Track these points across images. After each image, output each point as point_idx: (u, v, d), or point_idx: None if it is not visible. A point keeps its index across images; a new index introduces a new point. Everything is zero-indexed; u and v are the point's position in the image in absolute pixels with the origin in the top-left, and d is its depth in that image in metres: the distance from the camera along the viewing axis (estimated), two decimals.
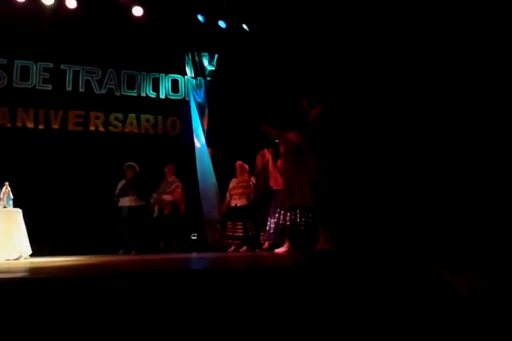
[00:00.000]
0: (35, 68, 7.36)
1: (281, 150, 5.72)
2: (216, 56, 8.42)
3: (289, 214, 5.48)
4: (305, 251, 4.97)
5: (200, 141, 7.86)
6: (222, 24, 7.97)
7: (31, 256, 5.36)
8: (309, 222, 5.26)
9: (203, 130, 7.95)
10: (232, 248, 6.39)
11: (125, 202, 6.93)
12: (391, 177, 5.02)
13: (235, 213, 6.52)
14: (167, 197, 6.97)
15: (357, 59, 5.49)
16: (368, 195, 5.03)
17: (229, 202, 6.63)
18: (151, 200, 7.00)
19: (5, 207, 5.37)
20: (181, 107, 8.10)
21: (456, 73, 4.01)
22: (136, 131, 7.85)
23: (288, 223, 5.46)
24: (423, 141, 4.87)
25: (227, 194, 6.71)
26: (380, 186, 5.03)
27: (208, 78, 8.32)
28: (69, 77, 7.51)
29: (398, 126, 5.14)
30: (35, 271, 3.06)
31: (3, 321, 1.82)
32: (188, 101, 8.10)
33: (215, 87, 8.27)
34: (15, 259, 5.03)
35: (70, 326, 1.86)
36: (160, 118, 8.03)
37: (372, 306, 2.18)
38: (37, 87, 7.34)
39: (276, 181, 5.83)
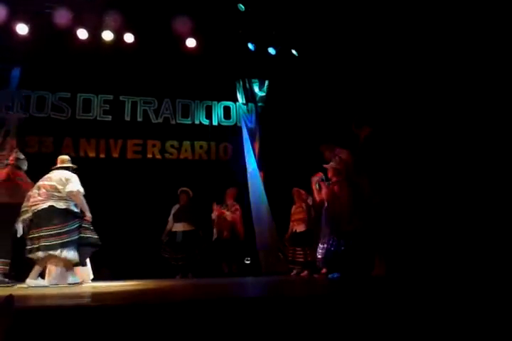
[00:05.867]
0: (96, 100, 7.82)
1: (329, 174, 5.72)
2: (266, 82, 8.60)
3: (341, 239, 5.39)
4: (359, 277, 4.87)
5: (251, 165, 8.00)
6: (271, 51, 8.15)
7: (92, 280, 5.56)
8: (363, 248, 5.16)
9: (255, 155, 8.09)
10: (294, 272, 6.40)
11: (179, 226, 7.08)
12: (446, 196, 4.88)
13: (295, 239, 6.58)
14: (228, 216, 7.06)
15: (403, 81, 5.47)
16: (423, 216, 4.90)
17: (291, 228, 6.74)
18: (212, 216, 7.12)
19: None
20: (233, 133, 8.30)
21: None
22: (190, 157, 8.10)
23: (341, 249, 5.37)
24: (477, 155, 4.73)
25: (291, 220, 6.81)
26: (435, 207, 4.90)
27: (259, 104, 8.51)
28: (127, 108, 7.92)
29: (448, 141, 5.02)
30: (97, 297, 3.19)
31: None
32: (240, 127, 8.29)
33: (265, 113, 8.43)
34: (77, 284, 5.23)
35: None
36: (213, 144, 8.25)
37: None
38: (98, 118, 7.78)
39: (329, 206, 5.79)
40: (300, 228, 6.56)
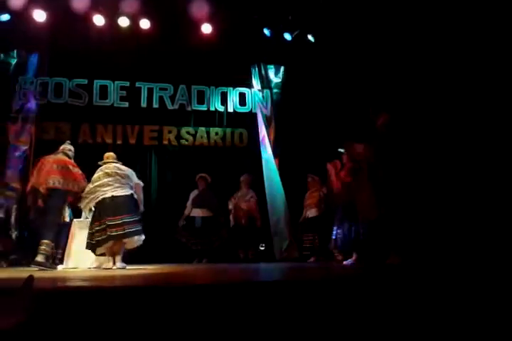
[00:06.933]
0: (112, 87, 7.86)
1: (344, 160, 5.70)
2: (282, 68, 8.54)
3: (360, 227, 5.39)
4: (374, 264, 4.88)
5: (267, 152, 7.98)
6: (287, 36, 8.07)
7: None
8: (379, 235, 5.15)
9: (270, 141, 8.08)
10: (312, 259, 6.44)
11: (198, 212, 7.15)
12: (464, 185, 4.83)
13: (307, 224, 6.61)
14: (243, 205, 7.13)
15: (421, 67, 5.38)
16: (441, 205, 4.87)
17: (304, 214, 6.78)
18: (229, 206, 7.21)
19: (87, 217, 5.73)
20: (248, 119, 8.28)
21: None
22: (205, 143, 8.12)
23: (355, 235, 5.37)
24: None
25: (304, 205, 6.85)
26: (453, 195, 4.86)
27: (275, 90, 8.45)
28: (144, 94, 7.94)
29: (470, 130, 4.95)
30: (114, 280, 3.27)
31: (80, 328, 1.95)
32: (255, 114, 8.26)
33: (281, 99, 8.39)
34: (95, 268, 5.35)
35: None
36: (228, 131, 8.25)
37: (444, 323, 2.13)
38: (115, 105, 7.82)
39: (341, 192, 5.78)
40: (312, 213, 6.59)
